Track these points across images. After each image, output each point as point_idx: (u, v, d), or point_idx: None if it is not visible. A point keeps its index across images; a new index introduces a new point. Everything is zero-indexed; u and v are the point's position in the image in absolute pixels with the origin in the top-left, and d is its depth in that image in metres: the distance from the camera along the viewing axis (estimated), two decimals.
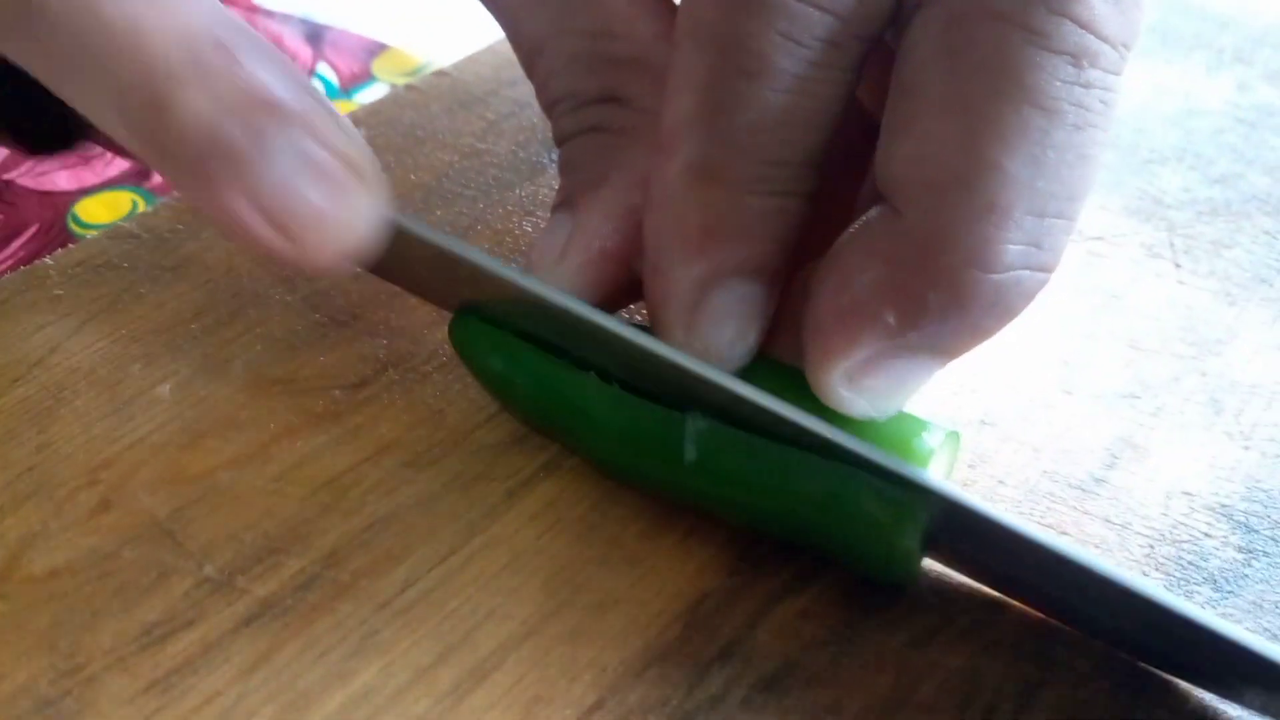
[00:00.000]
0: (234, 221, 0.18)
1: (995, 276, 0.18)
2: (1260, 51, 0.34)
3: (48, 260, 0.26)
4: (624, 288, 0.22)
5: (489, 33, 0.34)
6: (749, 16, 0.18)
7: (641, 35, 0.22)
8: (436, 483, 0.22)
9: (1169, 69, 0.33)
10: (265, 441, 0.22)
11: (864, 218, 0.20)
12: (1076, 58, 0.17)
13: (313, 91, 0.19)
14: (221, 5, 0.19)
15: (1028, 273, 0.18)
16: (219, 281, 0.25)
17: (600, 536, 0.21)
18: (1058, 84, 0.17)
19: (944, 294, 0.18)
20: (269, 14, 0.39)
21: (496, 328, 0.22)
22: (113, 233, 0.26)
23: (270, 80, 0.18)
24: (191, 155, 0.18)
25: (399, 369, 0.24)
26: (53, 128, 0.27)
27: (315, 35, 0.38)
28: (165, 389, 0.23)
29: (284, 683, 0.19)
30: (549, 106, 0.23)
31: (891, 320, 0.19)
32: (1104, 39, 0.18)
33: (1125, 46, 0.18)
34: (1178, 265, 0.27)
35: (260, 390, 0.23)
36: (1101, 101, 0.18)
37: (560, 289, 0.21)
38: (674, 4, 0.22)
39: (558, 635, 0.20)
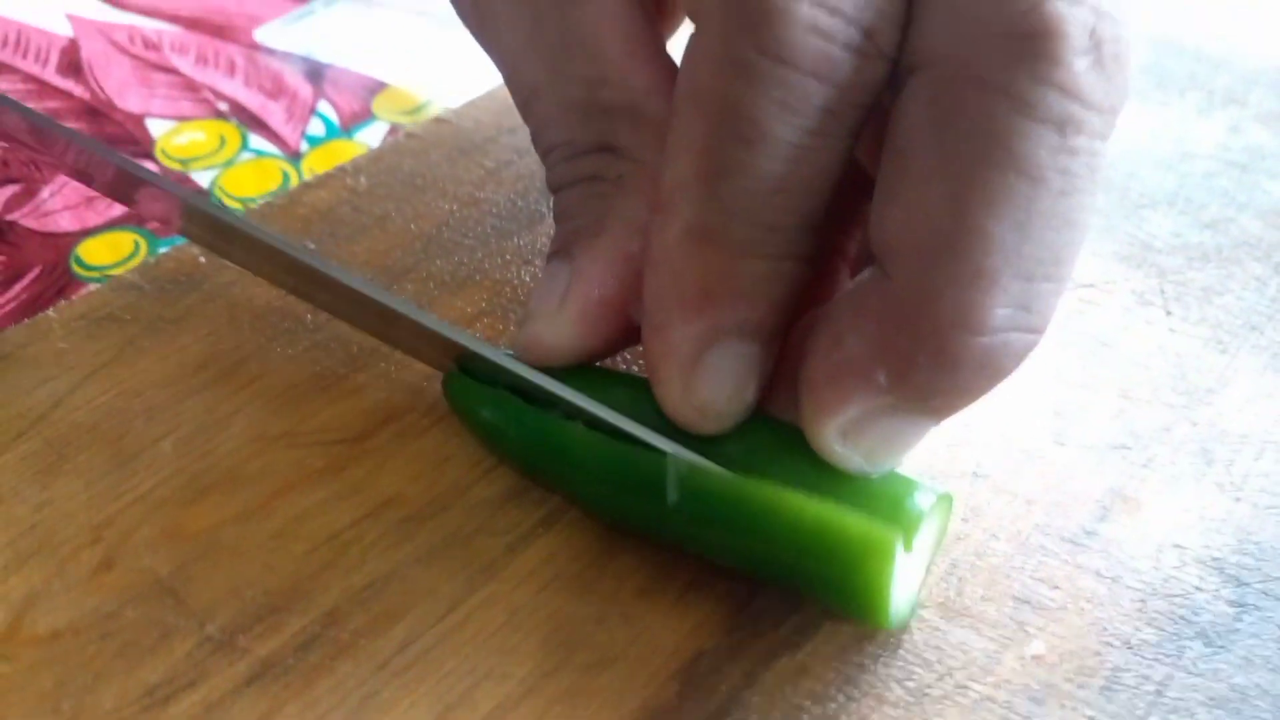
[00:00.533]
0: None
1: (983, 339, 0.18)
2: (1253, 92, 0.34)
3: (50, 312, 0.26)
4: (622, 334, 0.22)
5: (489, 72, 0.34)
6: (746, 85, 0.18)
7: (636, 85, 0.22)
8: (436, 537, 0.22)
9: (1163, 110, 0.33)
10: (267, 497, 0.23)
11: (857, 279, 0.20)
12: (1061, 126, 0.18)
13: None
14: None
15: (1016, 334, 0.19)
16: (221, 334, 0.25)
17: (598, 593, 0.21)
18: (1043, 152, 0.18)
19: (933, 355, 0.19)
20: (270, 51, 0.39)
21: (487, 383, 0.22)
22: (115, 284, 0.27)
23: None
24: None
25: (399, 422, 0.24)
26: None
27: (316, 73, 0.39)
28: (167, 444, 0.23)
29: None
30: (544, 152, 0.23)
31: (882, 379, 0.19)
32: (1089, 106, 0.18)
33: (1112, 112, 0.18)
34: (1169, 312, 0.27)
35: (262, 445, 0.23)
36: (1087, 167, 0.18)
37: (559, 338, 0.22)
38: (669, 55, 0.23)
39: (555, 695, 0.20)
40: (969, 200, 0.18)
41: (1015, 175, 0.18)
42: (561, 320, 0.22)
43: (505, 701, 0.20)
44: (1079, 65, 0.18)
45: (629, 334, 0.22)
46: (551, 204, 0.23)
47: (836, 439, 0.20)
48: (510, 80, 0.24)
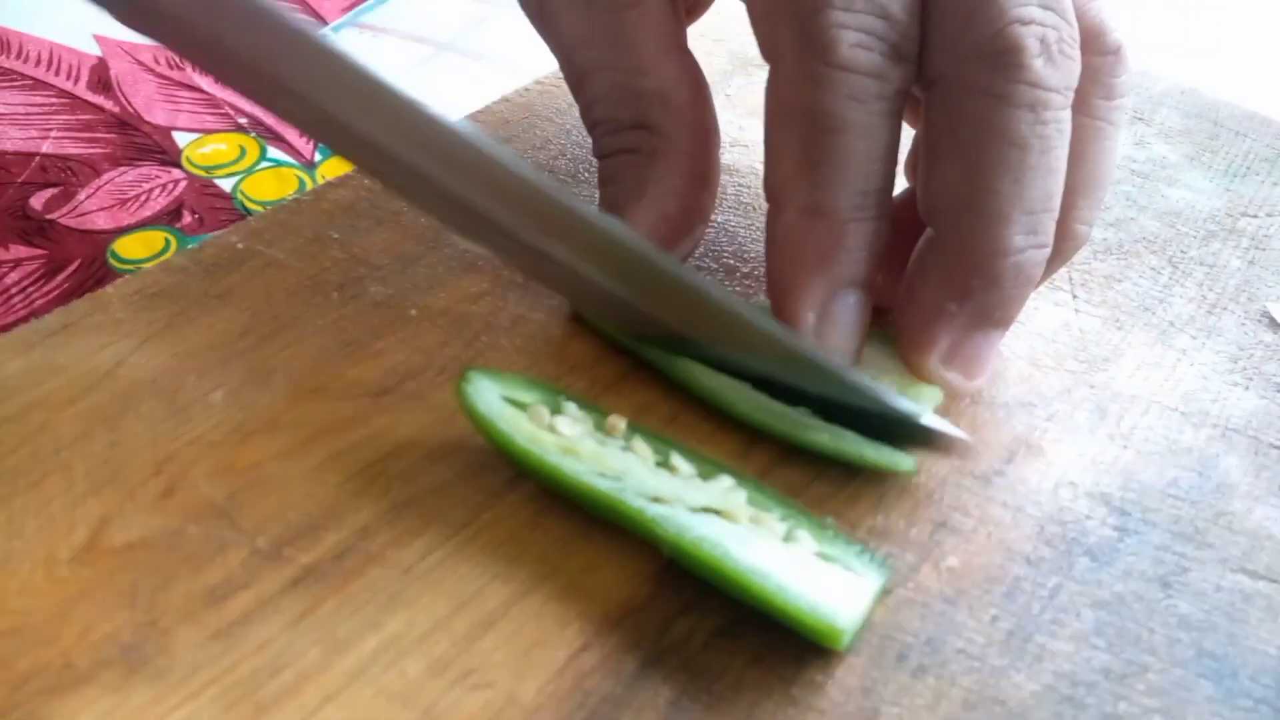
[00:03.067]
0: None
1: (1011, 259, 0.27)
2: (1158, 112, 0.40)
3: (109, 289, 0.31)
4: None
5: (482, 93, 0.39)
6: (825, 90, 0.26)
7: (667, 75, 0.29)
8: (449, 472, 0.27)
9: None
10: (304, 439, 0.27)
11: (917, 250, 0.28)
12: (1033, 106, 0.26)
13: None
14: None
15: (1031, 251, 0.27)
16: (259, 308, 0.30)
17: (585, 515, 0.26)
18: (1024, 127, 0.26)
19: (982, 278, 0.27)
20: None
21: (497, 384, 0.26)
22: (165, 266, 0.31)
23: None
24: None
25: (415, 380, 0.29)
26: None
27: None
28: (217, 396, 0.28)
29: (325, 631, 0.24)
30: (591, 126, 0.31)
31: (953, 307, 0.27)
32: (1049, 89, 0.26)
33: (1067, 89, 0.26)
34: (1075, 296, 0.33)
35: (299, 398, 0.28)
36: (1057, 131, 0.26)
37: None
38: (692, 54, 0.30)
39: (551, 593, 0.25)
40: (981, 169, 0.26)
41: (1008, 146, 0.26)
42: None
43: (510, 598, 0.25)
44: (1037, 64, 0.26)
45: None
46: (597, 170, 0.30)
47: (939, 367, 0.27)
48: (565, 64, 0.31)
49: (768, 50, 0.28)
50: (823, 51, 0.26)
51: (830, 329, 0.27)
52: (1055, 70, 0.26)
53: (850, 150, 0.26)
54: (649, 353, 0.29)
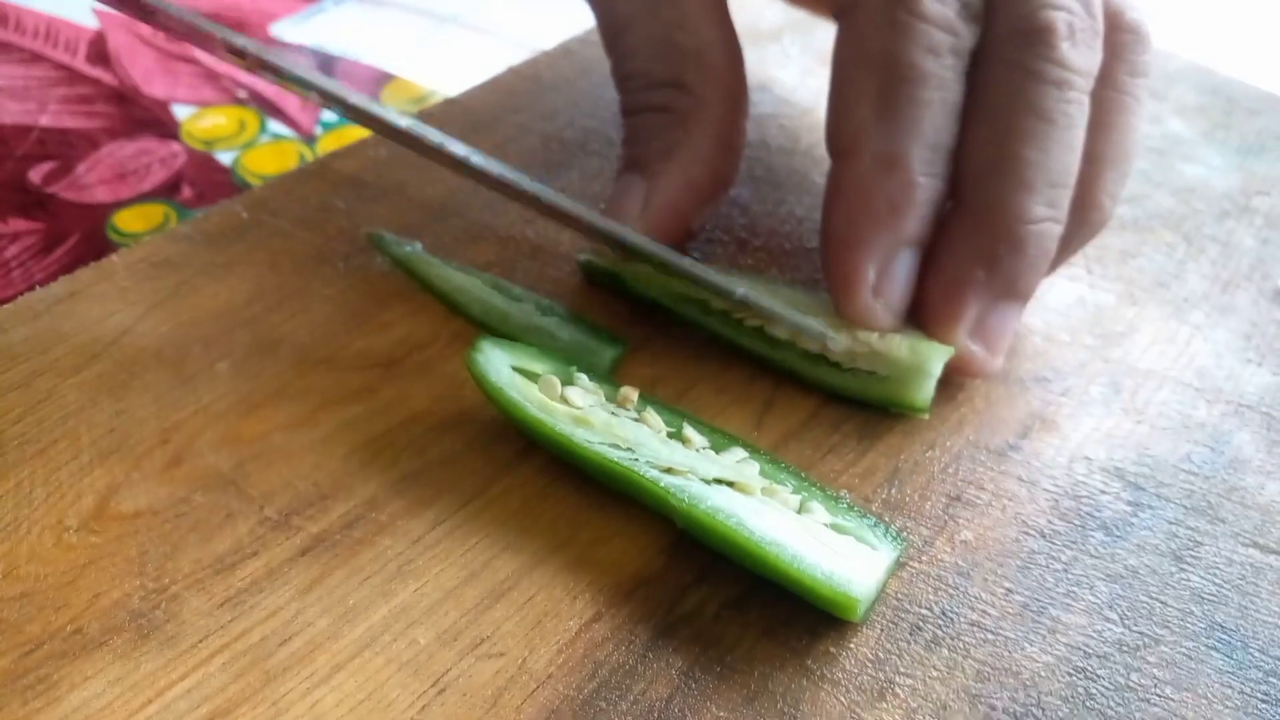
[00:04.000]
0: None
1: (1034, 226, 0.28)
2: (1173, 89, 0.40)
3: (114, 258, 0.31)
4: (683, 237, 0.31)
5: (486, 65, 0.40)
6: (905, 39, 0.27)
7: (708, 35, 0.30)
8: (459, 443, 0.27)
9: None
10: (311, 410, 0.27)
11: (943, 221, 0.29)
12: (1059, 84, 0.27)
13: None
14: None
15: (1050, 223, 0.28)
16: (265, 277, 0.30)
17: (597, 486, 0.26)
18: (1050, 102, 0.27)
19: (1008, 244, 0.28)
20: (284, 45, 0.44)
21: (505, 352, 0.27)
22: (169, 235, 0.32)
23: None
24: None
25: (423, 352, 0.29)
26: None
27: (327, 65, 0.44)
28: (223, 365, 0.28)
29: (335, 600, 0.24)
30: (622, 79, 0.31)
31: (981, 275, 0.28)
32: (1073, 71, 0.28)
33: (1088, 75, 0.28)
34: (1089, 271, 0.33)
35: (305, 368, 0.28)
36: (1079, 110, 0.28)
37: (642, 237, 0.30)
38: (730, 18, 0.31)
39: (562, 564, 0.25)
40: (1009, 135, 0.27)
41: (1036, 118, 0.27)
42: (641, 226, 0.30)
43: (521, 568, 0.25)
44: (1064, 46, 0.27)
45: (686, 237, 0.31)
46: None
47: (967, 338, 0.28)
48: (603, 14, 0.31)
49: (844, 1, 0.28)
50: (907, 1, 0.27)
51: (889, 285, 0.28)
52: (1079, 55, 0.27)
53: (926, 101, 0.27)
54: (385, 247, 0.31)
